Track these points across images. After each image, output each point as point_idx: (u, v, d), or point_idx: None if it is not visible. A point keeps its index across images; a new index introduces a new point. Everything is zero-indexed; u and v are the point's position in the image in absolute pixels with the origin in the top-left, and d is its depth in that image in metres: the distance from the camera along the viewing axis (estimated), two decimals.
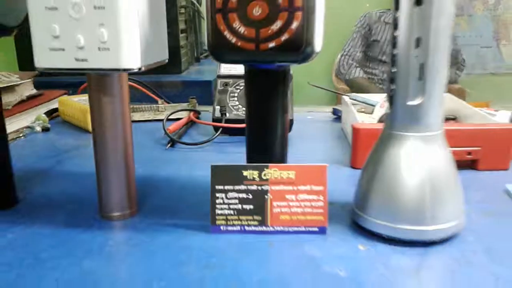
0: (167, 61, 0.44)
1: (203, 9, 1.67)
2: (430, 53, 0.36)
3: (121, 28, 0.36)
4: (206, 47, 1.86)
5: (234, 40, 0.36)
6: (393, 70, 0.38)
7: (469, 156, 0.54)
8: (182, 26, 1.58)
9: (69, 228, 0.42)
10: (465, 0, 2.64)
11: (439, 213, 0.38)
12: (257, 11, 0.35)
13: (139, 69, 0.38)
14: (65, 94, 0.93)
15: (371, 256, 0.37)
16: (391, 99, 0.39)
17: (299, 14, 0.34)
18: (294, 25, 0.35)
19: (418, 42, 0.36)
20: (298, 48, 0.35)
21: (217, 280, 0.34)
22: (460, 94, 2.29)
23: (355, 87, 2.23)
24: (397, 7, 0.36)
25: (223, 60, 0.38)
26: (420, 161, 0.38)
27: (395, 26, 0.37)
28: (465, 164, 0.55)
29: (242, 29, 0.36)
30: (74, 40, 0.37)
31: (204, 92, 1.29)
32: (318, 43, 0.36)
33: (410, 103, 0.37)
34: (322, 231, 0.40)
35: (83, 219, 0.43)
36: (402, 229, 0.38)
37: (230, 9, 0.35)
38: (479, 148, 0.54)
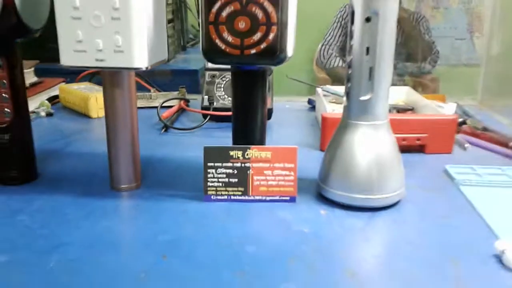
0: (167, 60, 0.53)
1: (189, 0, 1.74)
2: (377, 59, 0.46)
3: (132, 36, 0.45)
4: (192, 36, 1.93)
5: (223, 46, 0.45)
6: (349, 72, 0.47)
7: (418, 142, 0.65)
8: (169, 16, 1.65)
9: (86, 197, 0.51)
10: None
11: (383, 185, 0.48)
12: (241, 25, 0.44)
13: (146, 68, 0.47)
14: (63, 81, 1.01)
15: (330, 219, 0.47)
16: (347, 95, 0.49)
17: (274, 28, 0.44)
18: (271, 36, 0.44)
19: (368, 50, 0.46)
20: (274, 54, 0.45)
21: (209, 234, 0.44)
22: (434, 83, 2.41)
23: (334, 76, 2.33)
24: (352, 22, 0.46)
25: (214, 62, 0.47)
26: (369, 144, 0.48)
27: (351, 37, 0.46)
28: (415, 148, 0.66)
29: (229, 38, 0.45)
30: (94, 44, 0.45)
31: (191, 81, 1.37)
32: (290, 49, 0.46)
33: (362, 98, 0.47)
34: (292, 200, 0.51)
35: (97, 190, 0.53)
36: (355, 198, 0.48)
37: (220, 22, 0.44)
38: (426, 135, 0.64)
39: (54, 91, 0.96)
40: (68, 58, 0.46)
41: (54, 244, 0.42)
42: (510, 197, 0.52)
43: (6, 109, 0.52)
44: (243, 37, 0.45)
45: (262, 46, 0.45)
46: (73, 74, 0.99)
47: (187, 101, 0.91)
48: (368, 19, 0.45)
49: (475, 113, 0.83)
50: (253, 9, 0.44)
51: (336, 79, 2.23)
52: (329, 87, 0.86)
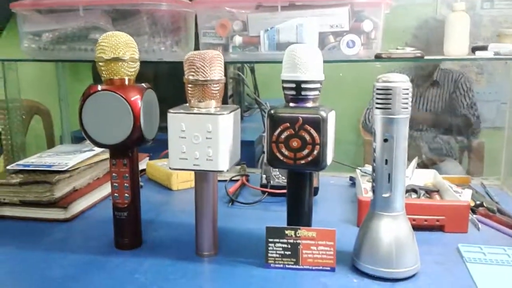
0: (239, 160, 0.72)
1: (247, 78, 1.99)
2: (393, 168, 0.63)
3: (219, 150, 0.65)
4: (247, 104, 2.18)
5: (281, 157, 0.64)
6: (373, 176, 0.65)
7: (437, 223, 0.79)
8: (230, 92, 1.91)
9: (180, 260, 0.70)
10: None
11: (401, 262, 0.63)
12: (294, 144, 0.63)
13: (227, 170, 0.66)
14: (148, 157, 1.24)
15: (360, 286, 0.63)
16: (373, 192, 0.65)
17: (318, 146, 0.63)
18: (315, 152, 0.63)
19: (386, 162, 0.63)
20: (317, 164, 0.63)
21: None
22: (480, 147, 2.47)
23: None
24: (374, 140, 0.64)
25: (274, 167, 0.66)
26: (390, 230, 0.64)
27: (374, 150, 0.64)
28: (435, 227, 0.80)
29: (286, 152, 0.64)
30: (193, 154, 0.66)
31: (248, 151, 1.57)
32: (329, 159, 0.64)
33: (383, 195, 0.64)
34: (332, 270, 0.67)
35: (186, 255, 0.71)
36: (379, 271, 0.64)
37: (280, 142, 0.64)
38: (444, 217, 0.79)
39: (141, 165, 1.19)
40: (174, 163, 0.67)
41: None
42: (508, 274, 0.65)
43: (126, 194, 0.73)
44: (295, 152, 0.64)
45: (309, 159, 0.63)
46: (155, 152, 1.22)
47: (247, 176, 1.10)
48: (385, 140, 0.62)
49: (495, 194, 0.96)
50: (303, 133, 0.63)
51: None
52: (367, 168, 1.03)
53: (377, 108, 0.62)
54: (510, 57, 0.94)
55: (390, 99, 0.61)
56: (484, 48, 0.97)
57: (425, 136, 2.13)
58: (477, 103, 2.29)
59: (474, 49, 1.01)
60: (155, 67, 1.57)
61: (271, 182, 0.99)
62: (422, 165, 1.90)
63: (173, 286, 0.63)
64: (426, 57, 0.97)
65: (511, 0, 2.76)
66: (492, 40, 1.01)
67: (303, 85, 0.64)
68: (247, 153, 1.53)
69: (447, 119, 2.14)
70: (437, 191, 0.93)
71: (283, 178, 1.00)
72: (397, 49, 0.96)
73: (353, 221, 0.85)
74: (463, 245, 0.73)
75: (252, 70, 2.05)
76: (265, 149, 0.66)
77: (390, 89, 0.61)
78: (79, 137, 0.73)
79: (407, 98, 0.61)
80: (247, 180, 1.08)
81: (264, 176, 1.01)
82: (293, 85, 0.65)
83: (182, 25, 1.06)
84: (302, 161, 0.64)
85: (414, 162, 1.02)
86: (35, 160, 0.94)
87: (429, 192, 0.93)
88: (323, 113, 0.63)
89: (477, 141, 2.55)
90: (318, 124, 0.63)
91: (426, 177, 1.00)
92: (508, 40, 0.99)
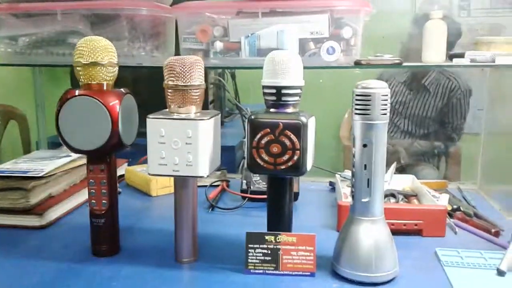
0: (220, 165, 0.72)
1: (228, 84, 1.99)
2: (372, 173, 0.63)
3: (199, 155, 0.65)
4: (228, 109, 2.17)
5: (262, 163, 0.64)
6: (352, 181, 0.65)
7: (416, 227, 0.80)
8: (211, 97, 1.90)
9: (159, 267, 0.69)
10: None
11: (380, 266, 0.64)
12: (275, 149, 0.63)
13: (207, 175, 0.66)
14: (126, 162, 1.22)
15: None
16: (353, 197, 0.66)
17: (298, 152, 0.63)
18: (295, 157, 0.63)
19: (365, 167, 0.63)
20: (298, 169, 0.63)
21: None
22: (457, 152, 2.51)
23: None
24: (354, 145, 0.64)
25: (255, 173, 0.66)
26: (369, 235, 0.64)
27: (353, 156, 0.65)
28: (413, 231, 0.81)
29: (266, 158, 0.64)
30: (172, 160, 0.65)
31: (228, 157, 1.56)
32: (309, 165, 0.64)
33: (363, 200, 0.64)
34: (312, 275, 0.67)
35: (165, 262, 0.71)
36: (358, 275, 0.64)
37: (260, 147, 0.64)
38: (422, 221, 0.80)
39: (120, 171, 1.17)
40: (154, 168, 0.66)
41: None
42: (484, 277, 0.66)
43: (103, 201, 0.72)
44: (276, 157, 0.64)
45: (289, 164, 0.63)
46: (133, 157, 1.21)
47: (227, 181, 1.10)
48: (365, 145, 0.63)
49: (472, 198, 0.98)
50: (283, 139, 0.63)
51: None
52: (347, 173, 1.03)
53: (356, 114, 0.63)
54: (486, 64, 0.96)
55: (369, 105, 0.62)
56: (461, 55, 0.99)
57: (403, 141, 2.15)
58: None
59: (451, 56, 1.03)
60: (134, 72, 1.55)
61: (252, 187, 0.99)
62: (400, 169, 1.92)
63: None
64: (404, 64, 0.99)
65: (487, 9, 2.84)
66: (469, 48, 1.03)
67: (283, 91, 0.64)
68: (228, 158, 1.53)
69: (432, 126, 2.13)
70: (415, 196, 0.94)
71: (264, 183, 0.99)
72: (376, 56, 0.98)
73: (333, 226, 0.86)
74: (441, 249, 0.74)
75: (233, 76, 2.05)
76: (245, 155, 0.66)
77: (369, 95, 0.62)
78: (56, 143, 0.72)
79: (386, 104, 0.62)
80: (228, 186, 1.08)
81: (244, 181, 1.01)
82: (274, 91, 0.65)
83: (162, 30, 1.06)
84: (282, 167, 0.64)
85: (393, 167, 1.03)
86: (10, 166, 0.91)
87: (407, 196, 0.94)
88: (303, 119, 0.63)
89: (455, 146, 2.60)
90: (299, 130, 0.63)
91: (404, 182, 1.01)
92: (485, 48, 1.02)
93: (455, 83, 2.11)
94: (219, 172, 1.15)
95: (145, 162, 1.21)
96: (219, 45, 0.99)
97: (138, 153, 1.16)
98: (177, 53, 1.07)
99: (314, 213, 0.94)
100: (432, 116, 2.11)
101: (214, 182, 1.08)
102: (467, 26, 2.81)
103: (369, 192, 0.64)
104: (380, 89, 0.62)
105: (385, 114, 0.62)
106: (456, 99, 2.12)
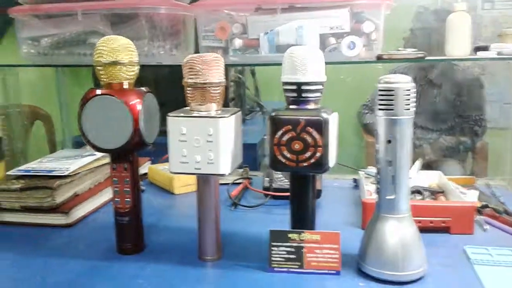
0: (241, 163, 0.71)
1: (249, 81, 1.99)
2: (397, 170, 0.62)
3: (220, 153, 0.64)
4: (248, 107, 2.18)
5: (284, 160, 0.63)
6: (377, 177, 0.64)
7: (443, 224, 0.78)
8: (231, 95, 1.90)
9: (182, 265, 0.69)
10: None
11: (407, 265, 0.62)
12: (296, 146, 0.62)
13: (228, 173, 0.66)
14: (149, 161, 1.23)
15: None
16: (378, 194, 0.64)
17: (320, 149, 0.62)
18: (318, 154, 0.62)
19: (390, 163, 0.62)
20: (320, 167, 0.62)
21: None
22: (484, 147, 2.45)
23: (369, 131, 2.36)
24: (377, 142, 0.63)
25: (277, 170, 0.66)
26: (395, 232, 0.63)
27: (377, 152, 0.63)
28: (441, 229, 0.79)
29: (288, 155, 0.63)
30: (194, 158, 0.65)
31: (250, 154, 1.56)
32: (331, 162, 0.63)
33: (388, 197, 0.63)
34: (337, 273, 0.66)
35: (188, 260, 0.71)
36: (385, 274, 0.63)
37: (282, 144, 0.63)
38: (449, 219, 0.78)
39: (143, 169, 1.18)
40: (175, 166, 0.66)
41: None
42: None
43: (127, 199, 0.72)
44: (298, 155, 0.63)
45: (312, 161, 0.62)
46: (155, 156, 1.22)
47: (250, 179, 1.09)
48: (389, 141, 0.61)
49: (501, 194, 0.95)
50: (305, 136, 0.62)
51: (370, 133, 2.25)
52: (370, 169, 1.02)
53: (380, 109, 0.61)
54: None
55: (393, 100, 0.60)
56: (486, 48, 0.96)
57: (428, 136, 2.11)
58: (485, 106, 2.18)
59: (476, 49, 1.00)
60: (155, 71, 1.56)
61: (274, 185, 0.98)
62: (425, 166, 1.88)
63: None
64: (427, 58, 0.96)
65: (511, 1, 2.75)
66: (493, 41, 1.00)
67: (303, 87, 0.63)
68: (250, 156, 1.52)
69: (449, 120, 2.09)
70: (442, 192, 0.92)
71: (286, 180, 0.99)
72: (398, 50, 0.96)
73: (357, 224, 0.84)
74: (470, 246, 0.72)
75: (253, 73, 2.04)
76: (266, 152, 0.65)
77: (393, 90, 0.60)
78: (81, 142, 0.73)
79: (409, 99, 0.60)
80: (250, 183, 1.07)
81: (266, 179, 1.00)
82: (294, 87, 0.64)
83: (181, 29, 1.06)
84: (305, 164, 0.63)
85: (418, 163, 1.01)
86: (36, 166, 0.93)
87: (434, 193, 0.92)
88: (324, 115, 0.62)
89: (481, 141, 2.53)
90: (320, 126, 0.62)
91: (430, 178, 0.98)
92: (510, 40, 0.98)
93: (462, 75, 2.08)
94: (241, 170, 1.15)
95: (167, 160, 1.23)
96: (238, 42, 0.98)
97: (160, 151, 1.16)
98: (197, 51, 1.07)
99: (338, 211, 0.93)
100: (445, 110, 2.08)
101: (236, 180, 1.07)
102: (491, 19, 2.73)
103: (394, 189, 0.62)
104: (403, 84, 0.60)
105: (409, 109, 0.61)
106: (466, 91, 2.07)
